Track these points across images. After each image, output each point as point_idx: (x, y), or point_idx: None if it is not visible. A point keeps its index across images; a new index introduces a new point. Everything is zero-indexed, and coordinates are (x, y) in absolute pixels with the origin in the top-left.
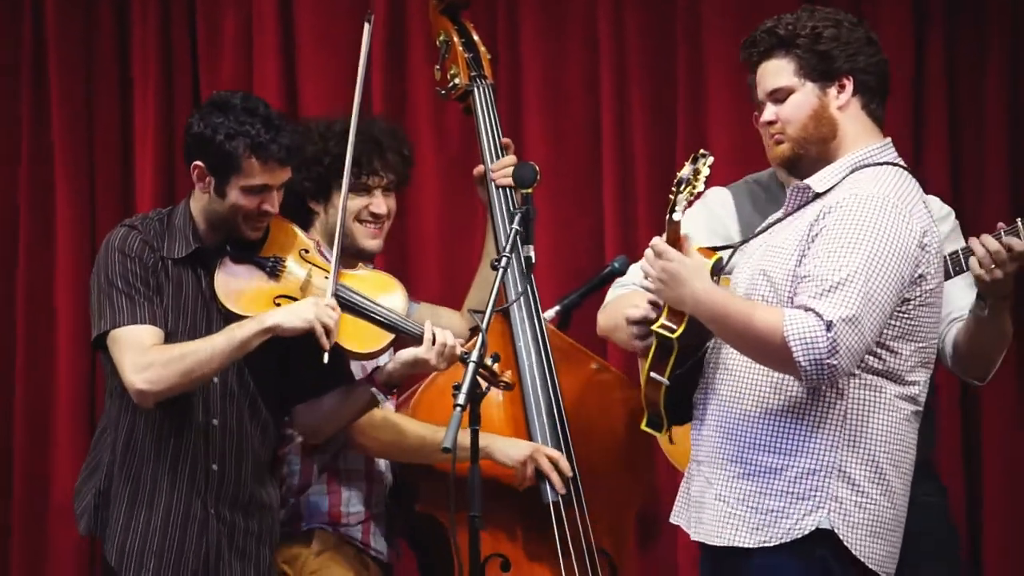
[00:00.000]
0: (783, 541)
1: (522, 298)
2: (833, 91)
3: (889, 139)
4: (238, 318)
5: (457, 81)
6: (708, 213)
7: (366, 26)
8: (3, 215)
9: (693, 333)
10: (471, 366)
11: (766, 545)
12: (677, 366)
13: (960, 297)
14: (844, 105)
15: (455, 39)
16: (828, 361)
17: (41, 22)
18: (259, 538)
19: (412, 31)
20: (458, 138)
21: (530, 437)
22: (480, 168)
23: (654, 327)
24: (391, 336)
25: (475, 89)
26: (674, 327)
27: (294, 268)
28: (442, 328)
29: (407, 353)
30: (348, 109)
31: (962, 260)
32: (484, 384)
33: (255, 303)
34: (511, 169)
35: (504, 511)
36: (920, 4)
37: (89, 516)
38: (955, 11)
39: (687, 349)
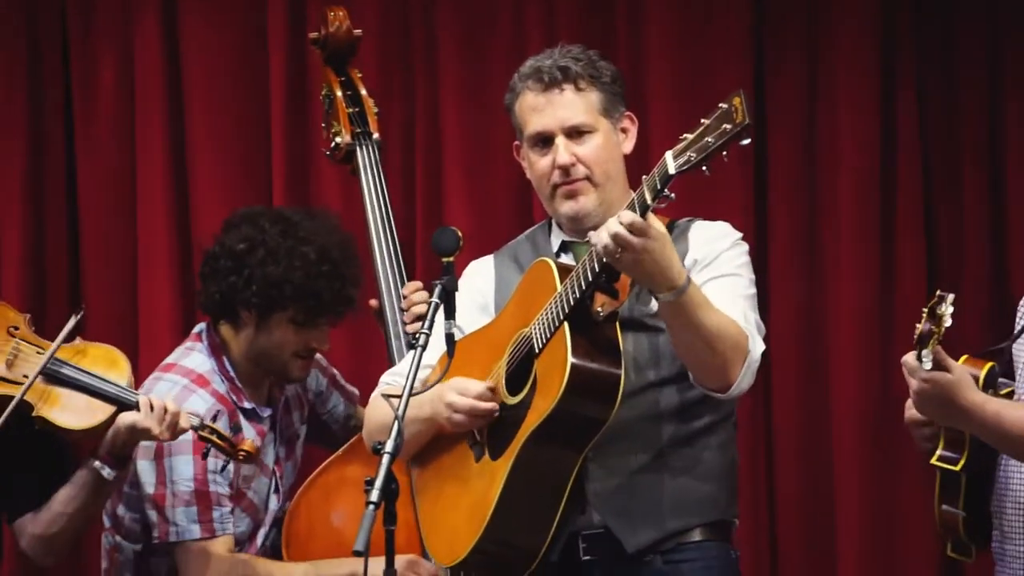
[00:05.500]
0: None
1: None
2: None
3: None
4: None
5: (339, 140)
6: (467, 286)
7: None
8: None
9: (978, 457)
10: (386, 457)
11: None
12: (970, 494)
13: None
14: None
15: (337, 93)
16: None
17: None
18: None
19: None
20: None
21: None
22: (374, 302)
23: (932, 461)
24: (112, 408)
25: (358, 148)
26: (957, 457)
27: None
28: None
29: (126, 418)
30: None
31: None
32: (222, 457)
33: None
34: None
35: None
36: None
37: None
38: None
39: (977, 475)
